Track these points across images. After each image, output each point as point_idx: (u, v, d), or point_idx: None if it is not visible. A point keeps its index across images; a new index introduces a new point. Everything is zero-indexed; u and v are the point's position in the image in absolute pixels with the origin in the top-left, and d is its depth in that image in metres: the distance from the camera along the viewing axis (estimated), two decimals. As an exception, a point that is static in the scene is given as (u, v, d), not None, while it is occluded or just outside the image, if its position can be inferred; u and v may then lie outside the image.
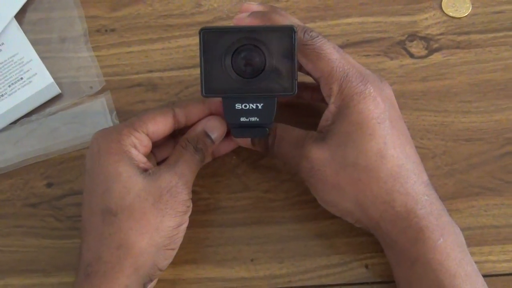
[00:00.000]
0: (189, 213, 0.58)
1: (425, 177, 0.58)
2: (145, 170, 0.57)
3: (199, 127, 0.61)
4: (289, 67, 0.55)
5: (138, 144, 0.58)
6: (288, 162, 0.62)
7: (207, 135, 0.61)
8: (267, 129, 0.59)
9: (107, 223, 0.55)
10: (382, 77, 0.61)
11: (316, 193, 0.60)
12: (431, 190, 0.58)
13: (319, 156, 0.57)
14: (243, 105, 0.57)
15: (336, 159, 0.56)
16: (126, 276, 0.54)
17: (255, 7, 0.62)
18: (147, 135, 0.59)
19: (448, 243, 0.55)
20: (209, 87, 0.56)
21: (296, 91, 0.56)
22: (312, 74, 0.59)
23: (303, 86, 0.66)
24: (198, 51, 0.55)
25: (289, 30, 0.55)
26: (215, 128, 0.61)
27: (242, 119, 0.57)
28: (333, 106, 0.57)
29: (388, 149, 0.56)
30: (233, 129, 0.60)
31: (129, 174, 0.56)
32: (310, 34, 0.57)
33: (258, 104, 0.57)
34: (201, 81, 0.56)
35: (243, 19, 0.60)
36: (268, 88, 0.56)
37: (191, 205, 0.59)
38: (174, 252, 0.58)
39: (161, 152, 0.64)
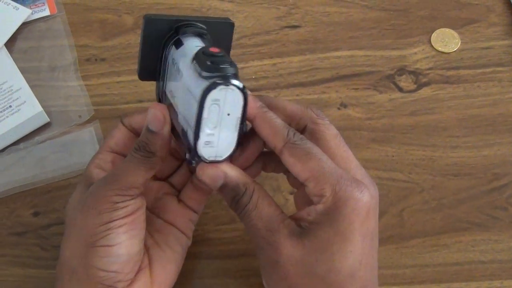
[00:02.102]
0: (126, 210, 0.54)
1: None
2: None
3: (143, 130, 0.56)
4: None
5: (102, 163, 0.59)
6: (252, 236, 0.55)
7: (148, 129, 0.55)
8: None
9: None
10: (372, 180, 0.56)
11: (266, 280, 0.56)
12: None
13: (290, 253, 0.52)
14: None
15: (306, 264, 0.52)
16: (66, 284, 0.55)
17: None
18: (112, 150, 0.60)
19: None
20: (145, 72, 0.58)
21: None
22: (299, 175, 0.53)
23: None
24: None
25: (229, 23, 0.57)
26: (154, 117, 0.54)
27: None
28: (322, 206, 0.52)
29: (360, 270, 0.52)
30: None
31: (77, 193, 0.57)
32: (300, 136, 0.53)
33: None
34: (138, 64, 0.57)
35: None
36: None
37: (132, 202, 0.54)
38: (112, 249, 0.54)
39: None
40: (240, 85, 0.49)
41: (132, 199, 0.54)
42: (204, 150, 0.51)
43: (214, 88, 0.48)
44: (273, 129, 0.54)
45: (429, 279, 0.65)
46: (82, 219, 0.54)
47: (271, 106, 0.57)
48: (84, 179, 0.58)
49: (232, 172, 0.54)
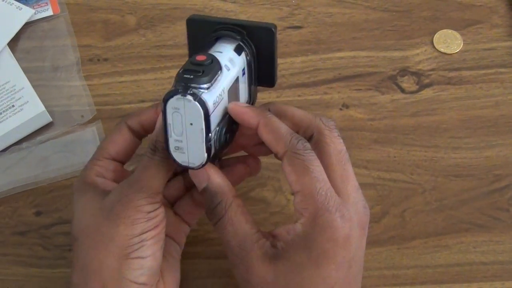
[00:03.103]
0: (156, 220, 0.53)
1: None
2: (109, 191, 0.55)
3: (157, 125, 0.54)
4: (270, 63, 0.56)
5: (103, 171, 0.57)
6: (226, 252, 0.54)
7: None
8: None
9: (74, 250, 0.54)
10: (366, 205, 0.55)
11: None
12: None
13: (261, 275, 0.51)
14: None
15: (277, 286, 0.51)
16: None
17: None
18: (113, 158, 0.58)
19: None
20: None
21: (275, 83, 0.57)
22: (292, 185, 0.53)
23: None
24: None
25: (266, 28, 0.55)
26: None
27: None
28: (301, 227, 0.51)
29: None
30: None
31: (88, 200, 0.54)
32: (304, 144, 0.52)
33: None
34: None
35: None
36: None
37: (160, 211, 0.53)
38: (144, 261, 0.53)
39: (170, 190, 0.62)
40: (197, 97, 0.48)
41: (160, 207, 0.53)
42: (175, 154, 0.51)
43: (171, 96, 0.49)
44: (276, 135, 0.53)
45: (430, 280, 0.65)
46: (111, 228, 0.52)
47: (279, 113, 0.56)
48: (89, 187, 0.55)
49: (215, 179, 0.54)
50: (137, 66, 0.77)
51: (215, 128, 0.51)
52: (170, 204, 0.62)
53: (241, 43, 0.56)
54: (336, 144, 0.54)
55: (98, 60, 0.78)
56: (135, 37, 0.80)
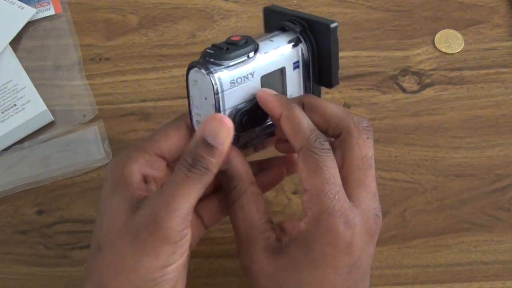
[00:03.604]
0: (182, 250, 0.49)
1: None
2: (141, 200, 0.50)
3: (197, 135, 0.49)
4: (328, 62, 0.55)
5: (147, 168, 0.53)
6: (234, 236, 0.54)
7: (205, 143, 0.48)
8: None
9: (94, 257, 0.51)
10: (379, 213, 0.53)
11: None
12: None
13: (262, 266, 0.51)
14: None
15: (275, 281, 0.51)
16: None
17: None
18: (161, 155, 0.53)
19: None
20: None
21: (338, 82, 0.56)
22: (302, 182, 0.51)
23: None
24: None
25: (324, 24, 0.54)
26: (214, 130, 0.48)
27: None
28: (304, 225, 0.51)
29: None
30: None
31: (118, 206, 0.50)
32: (323, 143, 0.50)
33: None
34: None
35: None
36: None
37: (188, 239, 0.50)
38: None
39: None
40: (209, 71, 0.49)
41: (188, 233, 0.50)
42: (197, 128, 0.52)
43: (191, 68, 0.50)
44: (296, 129, 0.51)
45: (431, 279, 0.65)
46: (135, 257, 0.48)
47: (312, 107, 0.55)
48: (121, 185, 0.51)
49: (235, 163, 0.53)
50: (139, 66, 0.77)
51: (233, 108, 0.52)
52: None
53: (300, 36, 0.55)
54: (362, 148, 0.53)
55: (100, 59, 0.78)
56: (137, 36, 0.80)
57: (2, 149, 0.71)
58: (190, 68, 0.51)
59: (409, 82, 0.76)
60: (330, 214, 0.49)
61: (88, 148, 0.71)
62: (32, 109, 0.73)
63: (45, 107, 0.73)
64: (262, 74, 0.53)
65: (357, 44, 0.79)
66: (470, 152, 0.71)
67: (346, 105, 0.74)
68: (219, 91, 0.50)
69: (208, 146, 0.48)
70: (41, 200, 0.69)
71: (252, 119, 0.54)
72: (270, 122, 0.56)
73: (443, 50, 0.78)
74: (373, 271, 0.64)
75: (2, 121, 0.72)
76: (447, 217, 0.68)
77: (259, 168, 0.61)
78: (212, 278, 0.65)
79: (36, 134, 0.73)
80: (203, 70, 0.50)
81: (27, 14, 0.80)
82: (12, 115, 0.72)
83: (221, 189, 0.56)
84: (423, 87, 0.75)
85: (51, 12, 0.81)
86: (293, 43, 0.55)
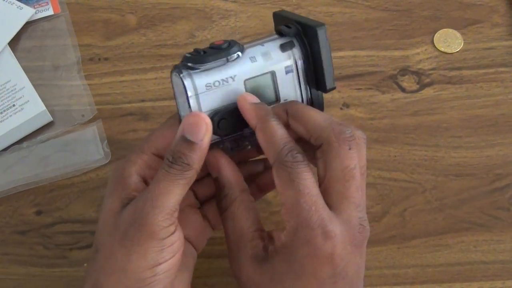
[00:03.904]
0: (171, 248, 0.50)
1: None
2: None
3: (177, 134, 0.50)
4: (320, 65, 0.54)
5: (146, 169, 0.53)
6: (227, 244, 0.54)
7: (184, 139, 0.49)
8: None
9: (92, 257, 0.51)
10: (365, 223, 0.51)
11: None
12: None
13: (249, 275, 0.51)
14: None
15: None
16: None
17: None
18: (159, 154, 0.54)
19: None
20: None
21: (333, 86, 0.54)
22: (280, 195, 0.51)
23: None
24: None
25: (312, 27, 0.53)
26: (192, 126, 0.49)
27: None
28: (284, 238, 0.50)
29: None
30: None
31: (112, 207, 0.51)
32: (295, 156, 0.50)
33: None
34: None
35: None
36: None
37: (177, 237, 0.50)
38: None
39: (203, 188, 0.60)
40: (183, 74, 0.51)
41: (176, 231, 0.50)
42: None
43: (171, 72, 0.52)
44: (268, 142, 0.51)
45: (430, 279, 0.65)
46: (125, 256, 0.48)
47: (295, 116, 0.53)
48: (118, 186, 0.52)
49: (225, 171, 0.54)
50: (138, 66, 0.77)
51: (212, 111, 0.52)
52: (200, 203, 0.60)
53: (294, 41, 0.55)
54: (343, 160, 0.51)
55: (99, 59, 0.78)
56: (136, 36, 0.80)
57: (1, 149, 0.71)
58: (171, 71, 0.52)
59: (408, 82, 0.75)
60: (307, 226, 0.48)
61: (87, 148, 0.71)
62: (31, 109, 0.73)
63: (43, 107, 0.73)
64: (246, 78, 0.53)
65: (356, 44, 0.79)
66: (470, 151, 0.71)
67: (346, 105, 0.74)
68: (193, 93, 0.51)
69: (187, 142, 0.49)
70: (40, 200, 0.69)
71: (234, 122, 0.53)
72: None
73: (442, 49, 0.78)
74: (373, 271, 0.64)
75: (0, 122, 0.72)
76: (447, 216, 0.68)
77: (265, 166, 0.62)
78: (212, 278, 0.65)
79: (35, 134, 0.73)
80: (177, 74, 0.51)
81: (26, 14, 0.80)
82: (11, 115, 0.72)
83: None
84: (423, 86, 0.75)
85: (50, 12, 0.81)
86: (283, 48, 0.54)
